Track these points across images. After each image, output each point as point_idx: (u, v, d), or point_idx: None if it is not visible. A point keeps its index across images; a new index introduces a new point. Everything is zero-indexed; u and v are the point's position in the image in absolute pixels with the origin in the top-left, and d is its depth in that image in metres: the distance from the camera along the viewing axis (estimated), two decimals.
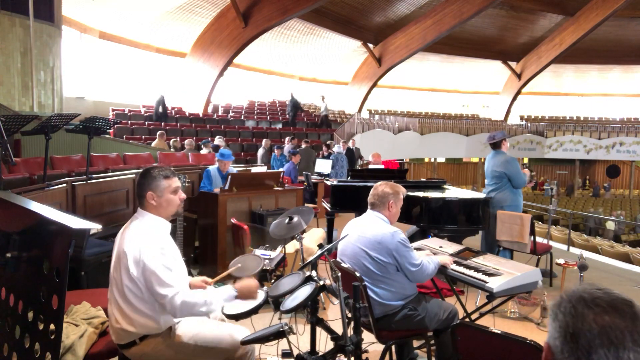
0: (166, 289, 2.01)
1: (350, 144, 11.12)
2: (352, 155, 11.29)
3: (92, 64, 14.80)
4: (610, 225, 18.05)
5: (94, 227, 1.40)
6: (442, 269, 2.85)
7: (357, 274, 2.55)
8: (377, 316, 2.64)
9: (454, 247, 3.25)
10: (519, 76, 24.36)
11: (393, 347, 2.89)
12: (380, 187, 2.82)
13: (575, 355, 0.89)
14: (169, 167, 2.34)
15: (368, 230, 2.71)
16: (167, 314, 2.12)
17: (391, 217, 2.81)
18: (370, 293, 2.63)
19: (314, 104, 22.78)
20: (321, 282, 2.22)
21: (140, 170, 2.32)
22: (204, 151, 9.87)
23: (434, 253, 3.12)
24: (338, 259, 2.84)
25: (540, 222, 14.02)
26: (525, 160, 24.33)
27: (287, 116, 17.49)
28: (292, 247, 4.25)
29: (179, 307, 2.02)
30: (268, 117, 17.64)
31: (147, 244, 2.05)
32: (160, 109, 14.19)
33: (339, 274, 2.20)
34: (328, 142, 11.81)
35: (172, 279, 2.03)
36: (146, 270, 2.01)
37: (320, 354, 2.34)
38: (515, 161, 5.09)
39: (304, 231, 3.14)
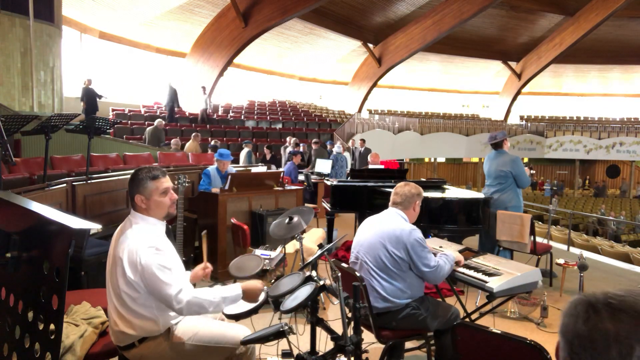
0: (169, 289, 1.98)
1: (355, 144, 11.06)
2: (363, 156, 11.36)
3: (92, 64, 14.79)
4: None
5: (94, 227, 1.40)
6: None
7: (357, 274, 2.55)
8: (379, 311, 2.64)
9: (454, 247, 3.25)
10: (519, 76, 24.37)
11: None
12: (406, 187, 2.83)
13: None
14: (159, 167, 2.25)
15: (388, 224, 2.72)
16: (166, 315, 2.10)
17: (412, 217, 2.83)
18: (377, 286, 2.64)
19: (314, 104, 22.78)
20: (321, 282, 2.21)
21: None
22: (244, 150, 10.77)
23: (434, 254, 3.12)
24: (352, 250, 2.86)
25: (540, 222, 14.02)
26: (526, 160, 24.33)
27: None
28: (292, 247, 4.26)
29: (185, 307, 1.99)
30: (268, 117, 17.63)
31: (142, 246, 2.01)
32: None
33: (339, 274, 2.20)
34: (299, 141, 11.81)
35: (171, 278, 2.00)
36: (145, 272, 1.98)
37: (320, 354, 2.34)
38: (520, 160, 5.10)
39: (304, 231, 3.14)
